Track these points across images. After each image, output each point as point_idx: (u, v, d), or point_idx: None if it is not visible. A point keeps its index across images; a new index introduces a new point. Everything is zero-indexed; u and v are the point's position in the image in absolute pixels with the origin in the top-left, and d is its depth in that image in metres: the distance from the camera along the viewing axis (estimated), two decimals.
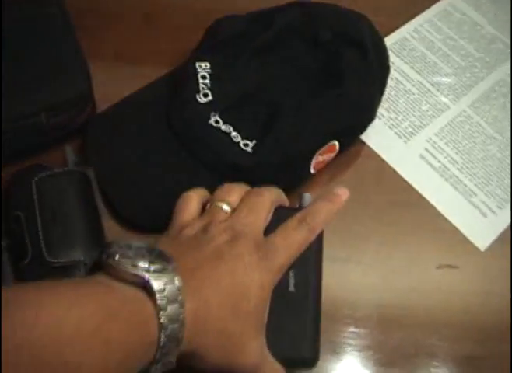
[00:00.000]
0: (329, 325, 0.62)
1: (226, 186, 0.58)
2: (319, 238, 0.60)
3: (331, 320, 0.63)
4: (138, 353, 0.43)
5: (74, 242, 0.61)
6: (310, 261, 0.59)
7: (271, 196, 0.57)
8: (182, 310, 0.44)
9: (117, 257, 0.44)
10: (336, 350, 0.61)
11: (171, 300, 0.44)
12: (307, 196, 0.62)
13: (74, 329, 0.39)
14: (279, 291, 0.56)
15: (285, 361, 0.56)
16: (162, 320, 0.43)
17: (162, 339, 0.43)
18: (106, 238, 0.65)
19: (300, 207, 0.62)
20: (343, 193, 0.58)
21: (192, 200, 0.57)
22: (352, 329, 0.65)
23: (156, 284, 0.43)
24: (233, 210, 0.56)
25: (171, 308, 0.44)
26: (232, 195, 0.57)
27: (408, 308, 0.66)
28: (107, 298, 0.43)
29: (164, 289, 0.44)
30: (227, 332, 0.49)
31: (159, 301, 0.43)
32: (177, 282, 0.45)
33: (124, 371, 0.42)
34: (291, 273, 0.57)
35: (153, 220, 0.65)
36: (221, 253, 0.51)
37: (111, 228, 0.67)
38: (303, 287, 0.57)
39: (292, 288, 0.57)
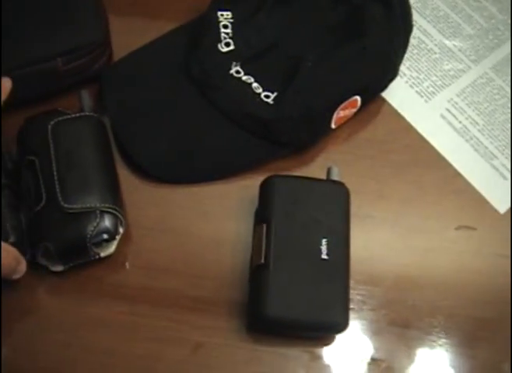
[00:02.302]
0: None
1: None
2: (347, 205, 0.61)
3: None
4: None
5: (89, 188, 0.60)
6: (340, 228, 0.60)
7: None
8: None
9: None
10: (350, 308, 0.60)
11: None
12: (335, 170, 0.63)
13: None
14: (312, 259, 0.57)
15: (318, 326, 0.57)
16: None
17: None
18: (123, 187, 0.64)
19: (329, 180, 0.62)
20: None
21: None
22: (367, 287, 0.64)
23: None
24: None
25: None
26: None
27: (424, 268, 0.65)
28: None
29: None
30: None
31: None
32: None
33: None
34: (323, 241, 0.58)
35: (169, 170, 0.64)
36: None
37: (125, 177, 0.66)
38: (334, 255, 0.58)
39: (325, 256, 0.58)
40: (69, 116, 0.63)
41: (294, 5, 0.69)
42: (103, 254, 0.61)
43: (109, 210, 0.59)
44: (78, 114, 0.64)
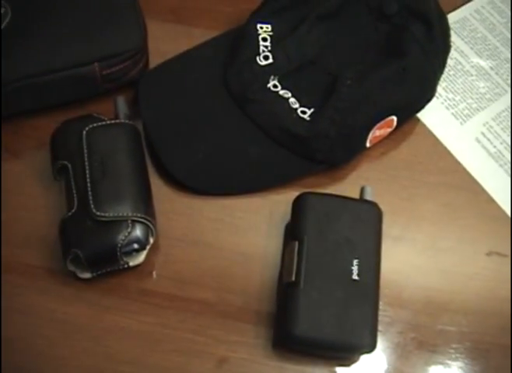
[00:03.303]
0: None
1: None
2: (379, 226, 0.60)
3: None
4: None
5: (122, 197, 0.59)
6: (372, 249, 0.59)
7: None
8: None
9: None
10: (378, 329, 0.59)
11: None
12: (369, 189, 0.63)
13: None
14: (343, 280, 0.57)
15: (346, 347, 0.57)
16: None
17: None
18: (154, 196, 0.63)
19: (362, 199, 0.62)
20: None
21: None
22: (395, 310, 0.63)
23: None
24: None
25: None
26: None
27: (454, 293, 0.65)
28: None
29: None
30: None
31: None
32: None
33: None
34: (355, 262, 0.58)
35: (203, 181, 0.64)
36: None
37: (157, 186, 0.66)
38: (365, 276, 0.58)
39: (355, 277, 0.57)
40: (104, 123, 0.63)
41: (336, 21, 0.69)
42: (132, 263, 0.60)
43: (140, 220, 0.59)
44: (113, 121, 0.63)
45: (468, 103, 0.75)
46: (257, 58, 0.66)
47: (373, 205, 0.62)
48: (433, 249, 0.66)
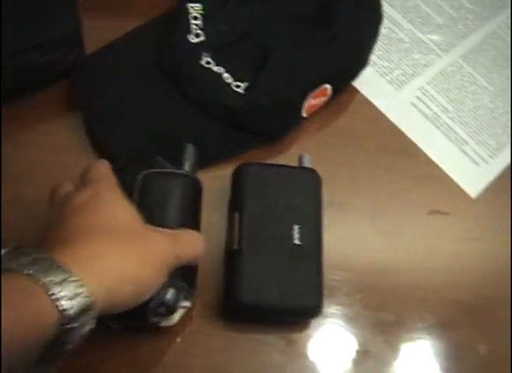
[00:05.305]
0: None
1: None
2: (319, 191, 0.62)
3: None
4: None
5: None
6: (312, 214, 0.60)
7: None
8: (86, 294, 0.41)
9: (14, 266, 0.40)
10: (325, 294, 0.60)
11: (73, 295, 0.41)
12: (307, 157, 0.64)
13: None
14: (285, 245, 0.58)
15: (292, 310, 0.58)
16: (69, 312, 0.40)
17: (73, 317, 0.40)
18: None
19: (300, 167, 0.63)
20: None
21: (64, 184, 0.54)
22: (341, 273, 0.64)
23: (66, 304, 0.40)
24: None
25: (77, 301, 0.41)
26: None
27: (397, 253, 0.66)
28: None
29: (65, 296, 0.40)
30: (133, 277, 0.46)
31: (62, 303, 0.40)
32: (72, 277, 0.41)
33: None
34: (296, 227, 0.59)
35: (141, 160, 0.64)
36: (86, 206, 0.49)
37: None
38: (307, 240, 0.59)
39: (297, 241, 0.58)
40: (166, 170, 0.58)
41: None
42: (164, 324, 0.56)
43: (174, 283, 0.54)
44: (174, 171, 0.59)
45: (403, 70, 0.76)
46: (189, 36, 0.67)
47: (312, 172, 0.63)
48: (375, 212, 0.67)
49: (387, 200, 0.68)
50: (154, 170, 0.57)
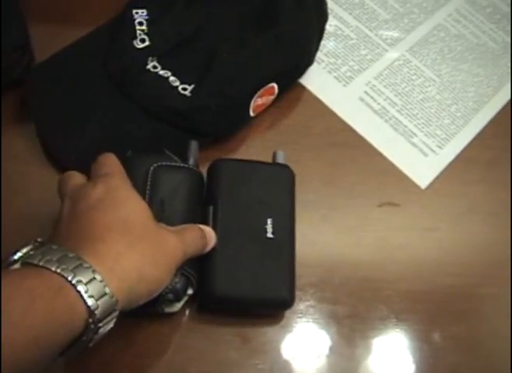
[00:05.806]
0: None
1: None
2: (292, 187, 0.64)
3: None
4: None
5: None
6: (285, 209, 0.62)
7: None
8: (110, 295, 0.43)
9: (41, 263, 0.42)
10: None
11: (99, 296, 0.43)
12: (281, 154, 0.66)
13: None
14: (258, 238, 0.59)
15: (264, 302, 0.59)
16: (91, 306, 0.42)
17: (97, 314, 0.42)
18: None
19: (275, 163, 0.65)
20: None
21: (74, 175, 0.55)
22: (300, 269, 0.65)
23: (94, 304, 0.42)
24: None
25: (102, 302, 0.43)
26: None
27: (350, 246, 0.67)
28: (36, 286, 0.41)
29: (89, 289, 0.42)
30: (149, 277, 0.48)
31: (90, 303, 0.42)
32: (98, 277, 0.43)
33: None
34: (269, 221, 0.60)
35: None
36: (102, 202, 0.50)
37: (50, 176, 0.66)
38: (280, 234, 0.60)
39: (270, 235, 0.60)
40: (174, 164, 0.61)
41: None
42: (167, 310, 0.58)
43: (183, 272, 0.56)
44: (182, 164, 0.62)
45: (349, 66, 0.77)
46: (134, 42, 0.67)
47: (285, 167, 0.65)
48: (325, 207, 0.69)
49: (337, 195, 0.69)
50: (164, 163, 0.60)
